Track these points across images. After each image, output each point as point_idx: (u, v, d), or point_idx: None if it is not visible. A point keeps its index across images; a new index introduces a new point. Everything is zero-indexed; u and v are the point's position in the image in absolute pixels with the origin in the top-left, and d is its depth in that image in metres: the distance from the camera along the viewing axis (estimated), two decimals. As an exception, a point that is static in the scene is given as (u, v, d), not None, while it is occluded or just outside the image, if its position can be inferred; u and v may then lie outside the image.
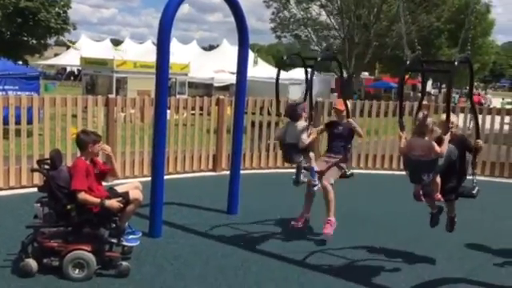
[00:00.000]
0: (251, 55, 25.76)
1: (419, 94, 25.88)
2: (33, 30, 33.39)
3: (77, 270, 4.14)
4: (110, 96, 8.07)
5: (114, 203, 4.26)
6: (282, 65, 6.75)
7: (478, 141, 4.75)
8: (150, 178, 5.54)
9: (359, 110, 9.46)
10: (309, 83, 5.46)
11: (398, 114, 4.59)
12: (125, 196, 4.37)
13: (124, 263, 4.33)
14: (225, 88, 24.68)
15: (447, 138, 4.28)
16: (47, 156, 5.49)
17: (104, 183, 4.69)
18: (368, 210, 6.77)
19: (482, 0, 32.65)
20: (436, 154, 4.20)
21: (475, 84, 58.03)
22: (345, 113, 5.63)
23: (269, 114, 9.35)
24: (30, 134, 7.20)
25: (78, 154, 4.46)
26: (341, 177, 5.53)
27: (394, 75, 25.71)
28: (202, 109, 8.93)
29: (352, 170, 5.79)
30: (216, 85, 25.58)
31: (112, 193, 4.46)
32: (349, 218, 6.24)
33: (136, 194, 4.46)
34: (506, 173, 9.35)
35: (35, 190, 4.58)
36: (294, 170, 5.24)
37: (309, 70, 5.50)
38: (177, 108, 8.54)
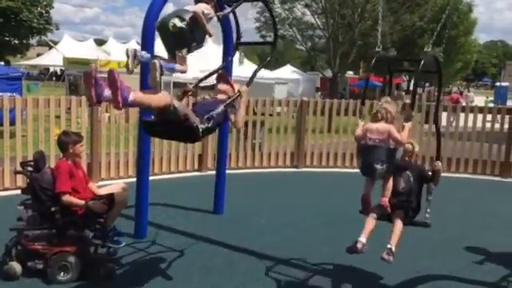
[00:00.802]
0: (236, 54, 25.74)
1: (402, 93, 25.88)
2: (15, 30, 32.99)
3: (62, 273, 4.11)
4: (93, 96, 7.99)
5: (98, 205, 4.24)
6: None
7: (437, 163, 4.26)
8: (135, 179, 5.52)
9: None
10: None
11: (361, 102, 4.49)
12: (110, 197, 4.35)
13: (109, 264, 4.31)
14: (210, 87, 24.62)
15: (408, 125, 4.05)
16: (30, 158, 5.46)
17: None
18: (347, 208, 6.82)
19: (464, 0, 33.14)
20: (395, 139, 3.89)
21: (458, 82, 58.78)
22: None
23: (254, 113, 9.36)
24: (12, 135, 7.12)
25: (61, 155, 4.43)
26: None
27: (377, 74, 25.87)
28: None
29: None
30: (201, 84, 25.51)
31: (97, 194, 4.43)
32: (330, 216, 6.30)
33: (121, 195, 4.44)
34: (488, 170, 9.51)
35: (18, 192, 4.53)
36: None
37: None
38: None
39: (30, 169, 4.34)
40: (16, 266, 4.11)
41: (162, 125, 3.89)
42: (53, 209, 4.13)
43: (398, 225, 4.18)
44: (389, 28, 21.62)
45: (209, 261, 4.82)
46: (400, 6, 23.43)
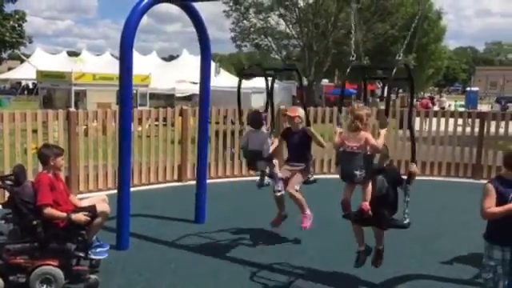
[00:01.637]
0: (212, 65, 25.86)
1: (377, 99, 26.31)
2: (-14, 44, 32.37)
3: (44, 286, 4.09)
4: (70, 109, 7.97)
5: (80, 217, 4.24)
6: (243, 74, 6.79)
7: (412, 164, 4.36)
8: (115, 191, 5.53)
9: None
10: (269, 92, 5.53)
11: (338, 110, 4.61)
12: (91, 209, 4.36)
13: (93, 276, 4.31)
14: (187, 98, 24.62)
15: (383, 132, 4.24)
16: (7, 172, 5.41)
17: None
18: (330, 214, 6.94)
19: (434, 8, 34.06)
20: (372, 146, 4.04)
21: (430, 88, 59.98)
22: (298, 119, 5.59)
23: (232, 123, 9.44)
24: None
25: (40, 169, 4.42)
26: (304, 183, 5.61)
27: (352, 82, 26.33)
28: (165, 119, 8.94)
29: (315, 176, 5.85)
30: (178, 95, 25.50)
31: (79, 206, 4.43)
32: (314, 219, 6.40)
33: (103, 206, 4.46)
34: (461, 172, 9.79)
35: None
36: (255, 178, 5.33)
37: (269, 78, 5.56)
38: (139, 120, 8.51)
39: (9, 183, 4.32)
40: (-3, 281, 4.08)
41: None
42: (34, 222, 4.12)
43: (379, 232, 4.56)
44: (362, 36, 22.07)
45: (192, 269, 4.86)
46: (372, 14, 24.00)
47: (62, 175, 6.67)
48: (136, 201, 5.83)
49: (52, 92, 20.64)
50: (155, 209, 6.85)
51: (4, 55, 39.08)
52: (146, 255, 5.18)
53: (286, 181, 5.47)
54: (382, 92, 41.75)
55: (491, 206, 3.58)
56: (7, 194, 4.38)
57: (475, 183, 9.48)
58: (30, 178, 6.04)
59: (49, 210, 4.14)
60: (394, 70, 4.18)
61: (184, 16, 5.97)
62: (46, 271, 4.10)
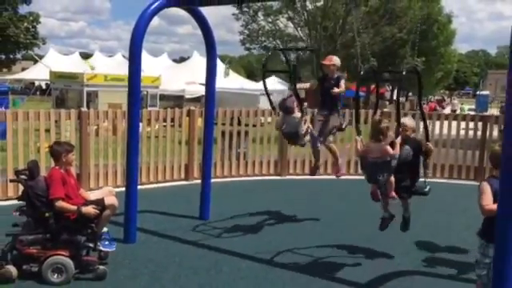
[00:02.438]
0: (222, 66, 26.07)
1: (386, 102, 26.42)
2: (1, 45, 32.96)
3: (56, 275, 4.34)
4: (82, 109, 8.25)
5: (90, 210, 4.49)
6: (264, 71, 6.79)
7: (427, 143, 5.16)
8: (123, 189, 5.77)
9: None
10: (292, 75, 5.83)
11: (355, 120, 4.98)
12: (100, 202, 4.60)
13: (101, 267, 4.54)
14: (196, 99, 24.90)
15: (398, 141, 4.70)
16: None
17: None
18: (331, 211, 7.14)
19: (444, 11, 34.00)
20: (390, 156, 4.62)
21: (441, 91, 59.69)
22: (333, 67, 6.14)
23: (239, 124, 9.66)
24: (1, 148, 7.30)
25: (52, 165, 4.69)
26: (338, 130, 6.25)
27: (361, 84, 26.43)
28: (173, 120, 9.18)
29: (346, 123, 6.34)
30: (187, 96, 25.79)
31: (88, 200, 4.69)
32: (311, 220, 6.62)
33: (111, 199, 4.70)
34: (463, 175, 9.91)
35: (10, 202, 4.73)
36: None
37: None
38: (148, 120, 8.77)
39: (24, 177, 4.59)
40: (12, 270, 4.33)
41: None
42: (47, 214, 4.38)
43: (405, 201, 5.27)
44: (370, 39, 22.17)
45: (196, 262, 5.08)
46: (380, 18, 24.07)
47: (74, 172, 6.95)
48: (144, 198, 6.07)
49: (64, 92, 21.00)
50: (162, 206, 7.09)
51: (18, 56, 39.72)
52: (152, 249, 5.41)
53: (320, 132, 6.13)
54: (391, 95, 41.76)
55: (489, 204, 3.76)
56: (21, 188, 4.64)
57: (477, 185, 9.61)
58: (43, 174, 6.34)
59: (60, 203, 4.40)
60: (404, 72, 4.58)
61: (194, 18, 6.16)
62: (58, 261, 4.34)
